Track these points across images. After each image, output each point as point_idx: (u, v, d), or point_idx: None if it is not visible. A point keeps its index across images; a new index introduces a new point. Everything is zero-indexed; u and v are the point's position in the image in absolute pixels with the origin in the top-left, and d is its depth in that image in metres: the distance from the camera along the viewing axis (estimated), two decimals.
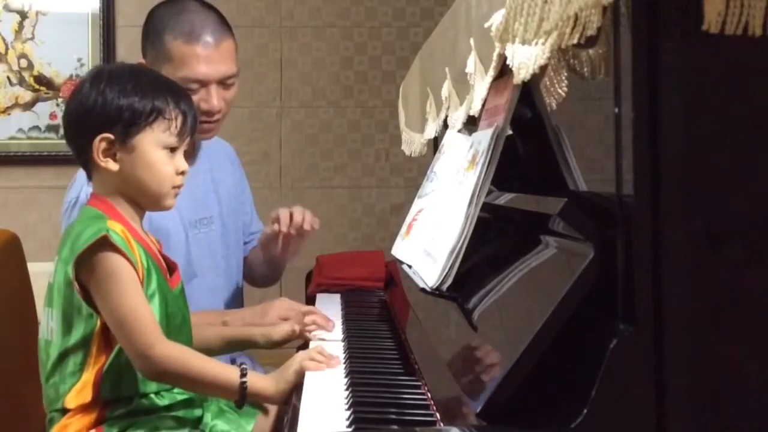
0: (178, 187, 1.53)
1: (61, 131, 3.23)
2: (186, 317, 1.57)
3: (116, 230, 1.42)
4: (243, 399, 1.41)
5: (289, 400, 1.36)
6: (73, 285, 1.41)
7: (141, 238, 1.49)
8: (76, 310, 1.43)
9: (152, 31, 1.94)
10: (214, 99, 1.91)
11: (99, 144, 1.46)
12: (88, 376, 1.44)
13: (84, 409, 1.44)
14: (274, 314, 1.82)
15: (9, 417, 1.76)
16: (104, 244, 1.39)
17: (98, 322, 1.43)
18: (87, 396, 1.43)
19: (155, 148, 1.48)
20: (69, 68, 3.30)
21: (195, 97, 1.88)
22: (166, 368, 1.39)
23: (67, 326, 1.44)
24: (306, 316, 1.72)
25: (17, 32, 3.31)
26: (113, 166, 1.47)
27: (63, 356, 1.45)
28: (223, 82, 1.93)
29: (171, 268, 1.57)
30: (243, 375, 1.40)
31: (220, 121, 1.98)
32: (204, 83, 1.90)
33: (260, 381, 1.42)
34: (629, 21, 0.90)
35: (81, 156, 1.51)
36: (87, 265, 1.41)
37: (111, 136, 1.46)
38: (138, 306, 1.40)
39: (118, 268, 1.40)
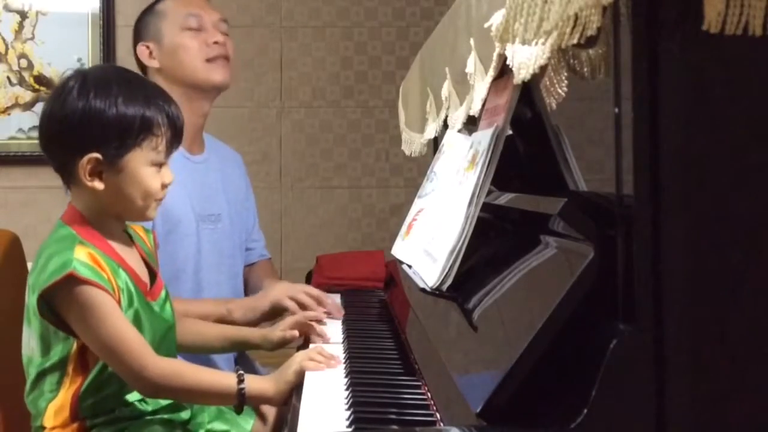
0: (160, 199, 1.49)
1: None
2: (171, 325, 1.54)
3: (83, 258, 1.36)
4: (242, 404, 1.41)
5: (289, 400, 1.36)
6: (39, 314, 1.38)
7: (116, 254, 1.45)
8: (52, 332, 1.41)
9: (144, 15, 2.12)
10: (215, 32, 2.06)
11: (86, 165, 1.40)
12: (65, 396, 1.42)
13: (63, 425, 1.43)
14: (272, 293, 1.87)
15: (8, 418, 1.76)
16: (71, 280, 1.34)
17: (75, 344, 1.41)
18: (65, 417, 1.43)
19: (144, 167, 1.43)
20: (69, 68, 3.30)
21: (199, 37, 2.05)
22: (163, 385, 1.38)
23: (45, 347, 1.43)
24: (307, 312, 1.73)
25: (17, 32, 3.30)
26: (99, 185, 1.42)
27: (41, 375, 1.44)
28: (219, 28, 2.09)
29: (153, 275, 1.54)
30: (240, 381, 1.39)
31: (228, 62, 2.08)
32: (201, 20, 2.06)
33: (258, 383, 1.41)
34: (629, 21, 0.89)
35: (63, 170, 1.45)
36: (58, 300, 1.37)
37: (99, 156, 1.40)
38: (122, 331, 1.37)
39: (93, 300, 1.36)
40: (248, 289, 2.20)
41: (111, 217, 1.48)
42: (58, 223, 1.48)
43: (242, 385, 1.39)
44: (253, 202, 2.26)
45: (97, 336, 1.37)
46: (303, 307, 1.82)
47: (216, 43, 2.05)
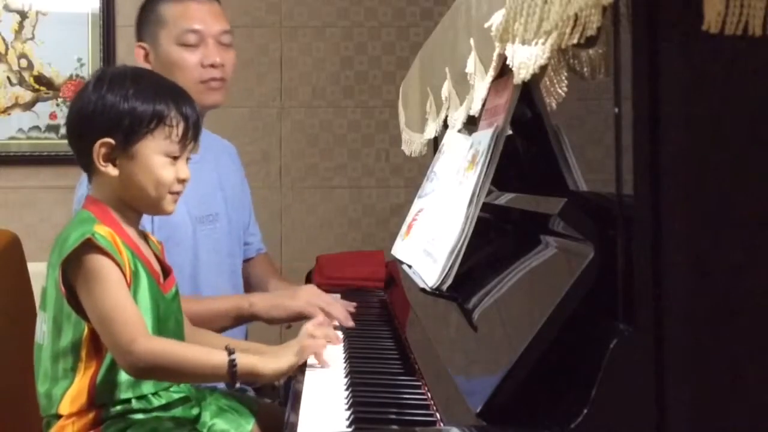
0: (177, 193, 1.51)
1: (62, 131, 3.24)
2: (179, 321, 1.55)
3: (102, 233, 1.41)
4: (234, 377, 1.39)
5: (285, 398, 1.36)
6: (60, 288, 1.41)
7: (132, 242, 1.48)
8: (65, 315, 1.43)
9: (145, 12, 2.05)
10: (213, 52, 1.97)
11: (99, 149, 1.46)
12: (82, 383, 1.43)
13: (80, 412, 1.44)
14: (305, 298, 1.83)
15: (9, 418, 1.76)
16: (89, 246, 1.39)
17: (86, 328, 1.43)
18: (82, 404, 1.43)
19: (156, 155, 1.47)
20: (69, 68, 3.30)
21: (196, 55, 1.97)
22: (151, 363, 1.37)
23: (57, 330, 1.44)
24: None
25: (17, 32, 3.30)
26: (113, 171, 1.47)
27: (54, 360, 1.45)
28: (220, 40, 2.00)
29: (166, 272, 1.56)
30: (231, 353, 1.39)
31: (225, 83, 2.01)
32: (202, 36, 1.97)
33: (250, 358, 1.41)
34: (629, 21, 0.90)
35: (82, 159, 1.51)
36: (73, 268, 1.40)
37: (111, 141, 1.45)
38: (121, 302, 1.39)
39: (103, 268, 1.39)
40: (248, 286, 2.19)
41: (127, 207, 1.51)
42: (78, 212, 1.53)
43: (233, 356, 1.38)
44: (248, 195, 2.24)
45: (97, 303, 1.39)
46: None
47: (213, 66, 1.97)
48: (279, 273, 2.27)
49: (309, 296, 1.84)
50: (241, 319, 1.86)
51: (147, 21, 2.03)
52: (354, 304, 1.86)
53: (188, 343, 1.45)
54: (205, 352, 1.43)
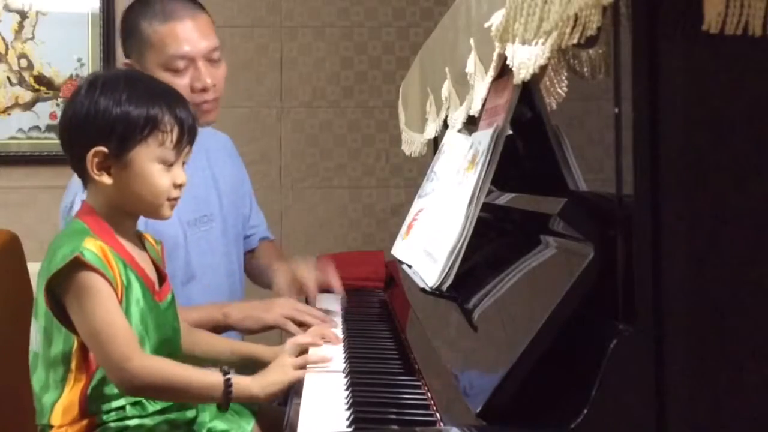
0: (175, 199, 1.49)
1: None
2: (176, 328, 1.54)
3: (91, 248, 1.38)
4: (228, 399, 1.39)
5: (285, 398, 1.36)
6: (46, 304, 1.40)
7: (126, 252, 1.46)
8: (56, 325, 1.42)
9: (128, 27, 1.97)
10: (204, 74, 1.92)
11: (92, 158, 1.43)
12: (72, 395, 1.42)
13: (72, 423, 1.43)
14: (278, 311, 1.81)
15: (8, 419, 1.76)
16: (77, 264, 1.37)
17: (76, 340, 1.42)
18: (74, 416, 1.43)
19: (151, 163, 1.44)
20: (69, 68, 3.30)
21: (186, 79, 1.91)
22: (144, 381, 1.37)
23: (48, 340, 1.44)
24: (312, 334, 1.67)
25: (17, 32, 3.30)
26: (107, 179, 1.44)
27: (46, 369, 1.44)
28: (209, 58, 1.94)
29: (162, 278, 1.54)
30: (226, 374, 1.39)
31: (217, 102, 1.97)
32: (191, 59, 1.91)
33: (245, 379, 1.41)
34: (629, 21, 0.90)
35: (76, 165, 1.48)
36: (62, 286, 1.38)
37: (105, 149, 1.43)
38: (113, 320, 1.37)
39: (92, 285, 1.37)
40: (253, 277, 2.17)
41: (123, 214, 1.49)
42: (72, 221, 1.50)
43: (229, 376, 1.38)
44: (248, 186, 2.21)
45: (87, 320, 1.37)
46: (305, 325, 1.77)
47: (204, 89, 1.91)
48: (283, 257, 2.19)
49: (282, 309, 1.81)
50: (217, 330, 1.83)
51: (131, 38, 1.96)
52: (327, 318, 1.83)
53: (183, 364, 1.43)
54: (201, 373, 1.43)
